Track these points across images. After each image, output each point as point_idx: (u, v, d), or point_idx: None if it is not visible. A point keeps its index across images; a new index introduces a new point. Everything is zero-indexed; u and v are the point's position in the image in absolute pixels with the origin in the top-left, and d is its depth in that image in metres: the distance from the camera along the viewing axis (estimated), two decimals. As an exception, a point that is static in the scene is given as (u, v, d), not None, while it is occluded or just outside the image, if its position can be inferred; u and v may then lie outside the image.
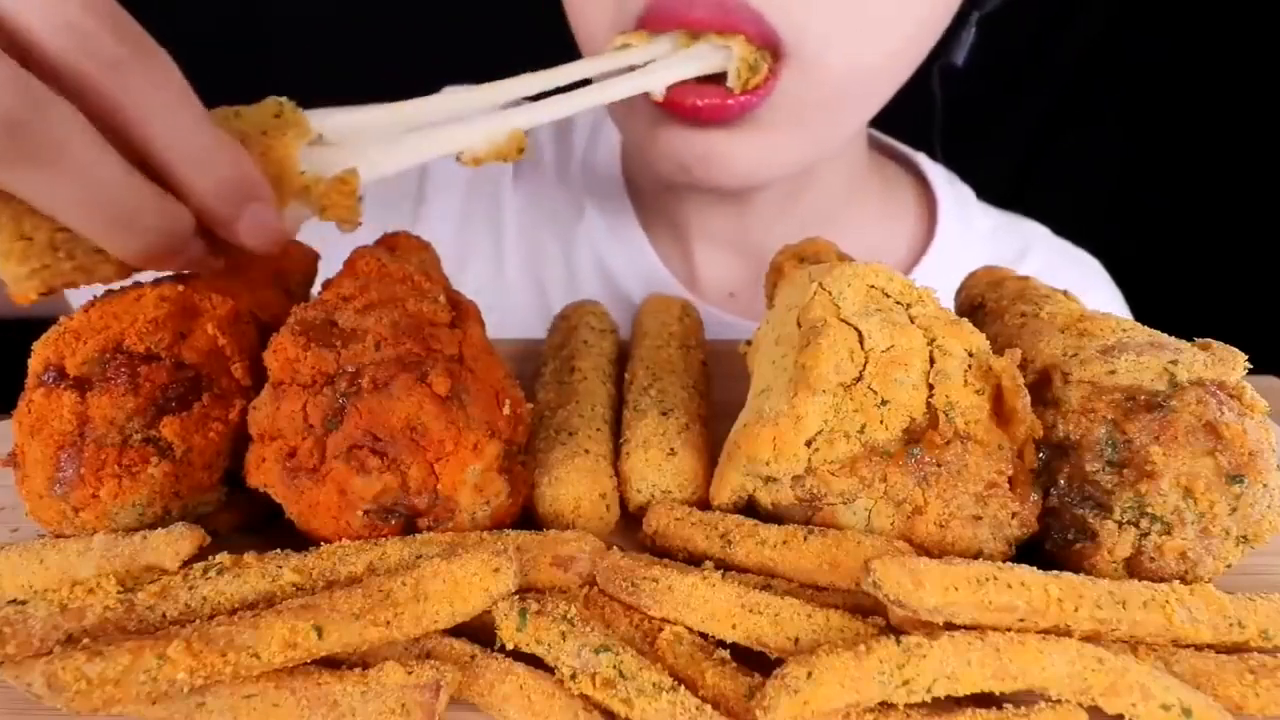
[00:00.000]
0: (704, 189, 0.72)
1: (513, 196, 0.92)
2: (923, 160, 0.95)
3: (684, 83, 0.60)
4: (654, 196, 0.88)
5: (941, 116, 1.02)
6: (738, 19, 0.58)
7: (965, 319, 0.46)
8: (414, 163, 0.49)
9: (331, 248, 0.56)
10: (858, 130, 0.76)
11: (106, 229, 0.38)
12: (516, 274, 0.90)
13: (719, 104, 0.61)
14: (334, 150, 0.46)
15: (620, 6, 0.62)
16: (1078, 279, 0.94)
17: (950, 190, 0.93)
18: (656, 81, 0.58)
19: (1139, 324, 0.47)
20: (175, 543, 0.42)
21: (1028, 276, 0.57)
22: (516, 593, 0.40)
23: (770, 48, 0.60)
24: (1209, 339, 0.44)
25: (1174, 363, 0.42)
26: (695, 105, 0.61)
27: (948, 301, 0.49)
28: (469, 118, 0.50)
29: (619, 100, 0.56)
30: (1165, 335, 0.46)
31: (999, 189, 1.02)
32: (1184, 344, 0.44)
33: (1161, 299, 0.92)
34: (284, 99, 0.45)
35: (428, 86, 0.96)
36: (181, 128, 0.39)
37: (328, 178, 0.45)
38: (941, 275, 0.86)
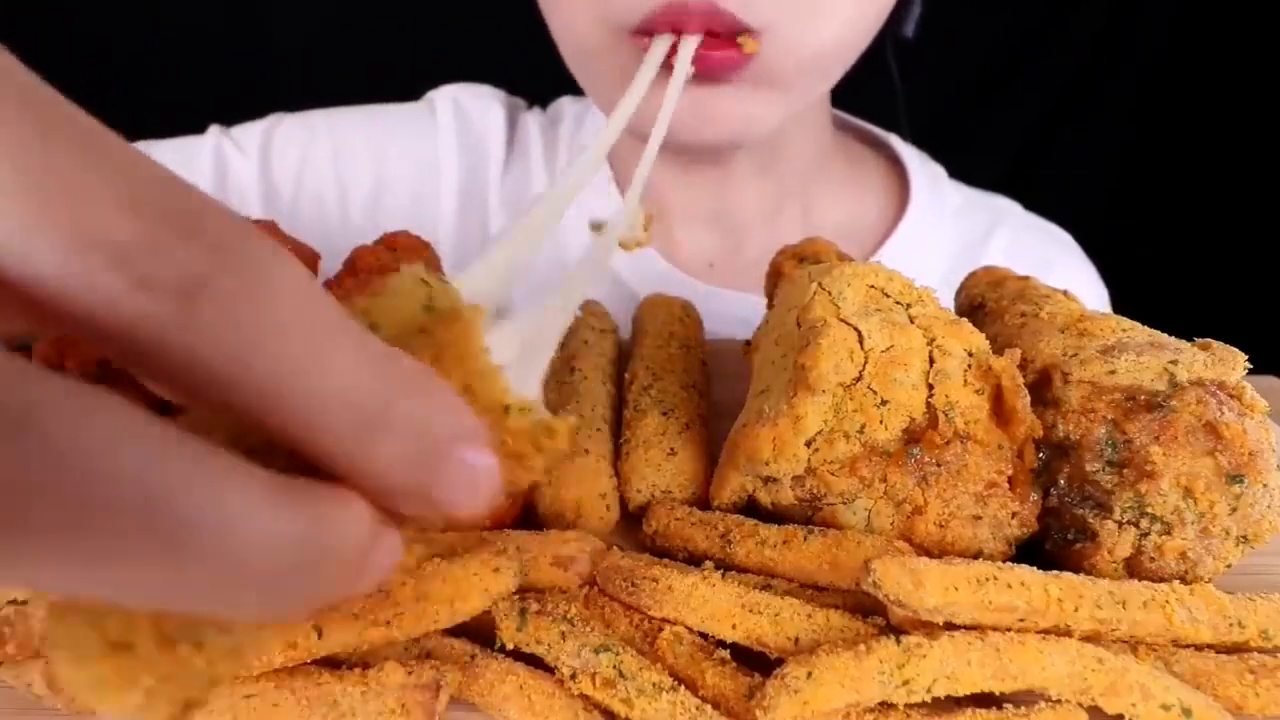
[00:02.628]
0: (695, 147, 0.75)
1: (499, 190, 0.93)
2: (894, 140, 0.97)
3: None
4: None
5: (905, 99, 1.04)
6: (720, 26, 0.62)
7: (965, 319, 0.46)
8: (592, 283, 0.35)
9: (332, 247, 0.56)
10: (824, 95, 0.80)
11: (242, 603, 0.19)
12: None
13: (705, 56, 0.64)
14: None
15: (610, 20, 0.65)
16: (1047, 252, 0.96)
17: (922, 168, 0.95)
18: (684, 67, 0.61)
19: (1139, 324, 0.47)
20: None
21: (1028, 276, 0.57)
22: (516, 593, 0.40)
23: (748, 34, 0.65)
24: (1209, 339, 0.44)
25: (1174, 363, 0.42)
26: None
27: (923, 276, 0.49)
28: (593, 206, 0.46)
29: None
30: (1165, 335, 0.46)
31: (997, 187, 1.02)
32: (1184, 344, 0.44)
33: (1161, 299, 0.92)
34: (419, 269, 0.26)
35: (428, 82, 0.97)
36: (333, 371, 0.20)
37: (535, 410, 0.26)
38: (912, 250, 0.88)
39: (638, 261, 0.88)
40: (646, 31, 0.63)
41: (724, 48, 0.64)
